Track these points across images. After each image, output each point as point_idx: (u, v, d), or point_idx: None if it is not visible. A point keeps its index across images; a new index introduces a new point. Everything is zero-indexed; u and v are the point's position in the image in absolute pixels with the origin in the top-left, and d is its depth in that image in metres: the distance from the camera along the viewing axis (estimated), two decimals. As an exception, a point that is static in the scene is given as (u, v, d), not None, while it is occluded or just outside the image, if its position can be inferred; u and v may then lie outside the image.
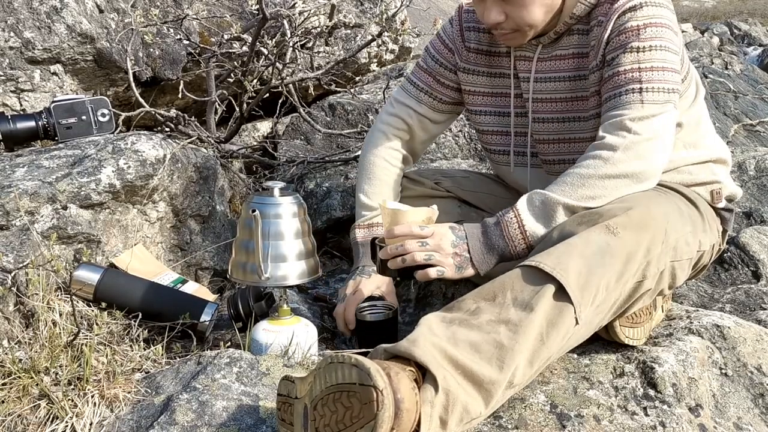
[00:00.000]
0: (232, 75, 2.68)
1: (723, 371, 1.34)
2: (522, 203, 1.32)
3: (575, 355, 1.34)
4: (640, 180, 1.30)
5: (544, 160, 1.59)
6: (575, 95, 1.49)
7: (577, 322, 1.15)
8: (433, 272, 1.30)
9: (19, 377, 1.22)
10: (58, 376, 1.23)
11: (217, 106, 2.56)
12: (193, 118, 2.39)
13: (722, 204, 1.53)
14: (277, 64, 2.39)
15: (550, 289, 1.14)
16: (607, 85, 1.37)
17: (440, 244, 1.30)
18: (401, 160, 1.73)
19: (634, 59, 1.34)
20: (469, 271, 1.31)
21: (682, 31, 7.44)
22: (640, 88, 1.32)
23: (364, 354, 1.05)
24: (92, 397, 1.21)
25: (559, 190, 1.30)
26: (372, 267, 1.60)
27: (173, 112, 2.33)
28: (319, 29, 2.65)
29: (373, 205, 1.68)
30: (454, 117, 1.78)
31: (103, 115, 1.81)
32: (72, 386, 1.23)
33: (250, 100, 2.35)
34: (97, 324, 1.36)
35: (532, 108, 1.55)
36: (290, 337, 1.39)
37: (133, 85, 2.20)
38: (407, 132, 1.72)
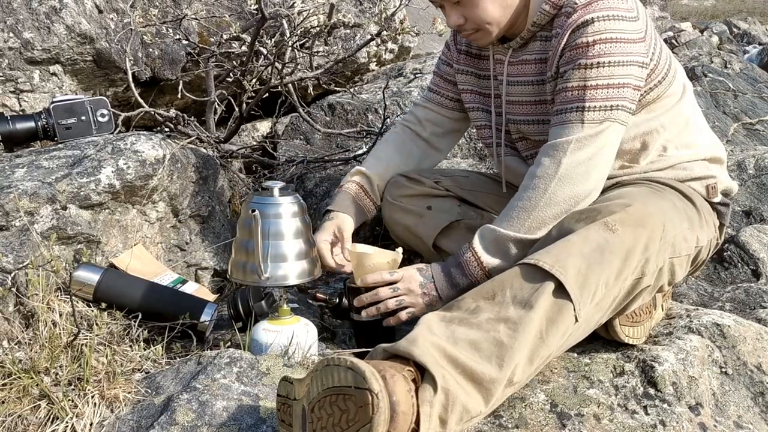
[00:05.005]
0: (231, 75, 2.67)
1: (723, 370, 1.34)
2: (476, 242, 1.38)
3: (575, 354, 1.34)
4: (578, 202, 1.34)
5: (524, 156, 1.64)
6: (539, 99, 1.52)
7: (576, 320, 1.15)
8: (403, 315, 1.41)
9: (19, 378, 1.22)
10: (58, 377, 1.23)
11: (217, 106, 2.56)
12: (192, 118, 2.39)
13: (718, 198, 1.53)
14: (277, 63, 2.39)
15: (550, 286, 1.14)
16: (556, 99, 1.40)
17: (409, 287, 1.40)
18: (413, 145, 1.81)
19: (580, 76, 1.35)
20: (439, 306, 1.35)
21: (681, 31, 7.44)
22: (582, 107, 1.35)
23: (364, 354, 1.05)
24: (92, 397, 1.21)
25: (507, 224, 1.36)
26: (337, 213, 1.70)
27: (173, 112, 2.33)
28: (318, 29, 2.65)
29: (362, 169, 1.75)
30: (466, 116, 1.80)
31: (103, 115, 1.81)
32: (72, 386, 1.23)
33: (249, 100, 2.35)
34: (97, 324, 1.36)
35: (505, 109, 1.59)
36: (290, 337, 1.39)
37: (132, 85, 2.20)
38: (419, 125, 1.81)
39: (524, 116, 1.56)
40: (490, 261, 1.36)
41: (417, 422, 1.01)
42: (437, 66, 1.78)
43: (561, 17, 1.40)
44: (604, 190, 1.40)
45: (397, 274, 1.42)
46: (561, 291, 1.14)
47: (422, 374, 1.06)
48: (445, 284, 1.39)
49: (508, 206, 1.39)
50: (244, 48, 2.63)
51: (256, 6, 2.31)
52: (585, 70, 1.34)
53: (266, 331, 1.41)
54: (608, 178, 1.43)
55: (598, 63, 1.34)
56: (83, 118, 1.78)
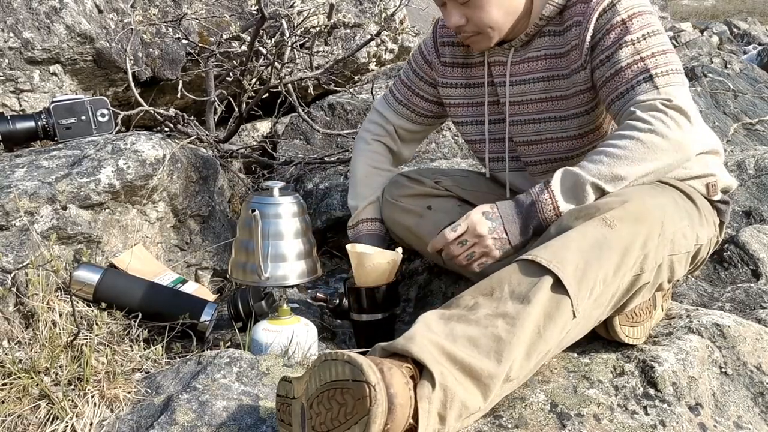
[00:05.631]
0: (231, 75, 2.68)
1: (723, 370, 1.34)
2: (555, 183, 1.32)
3: (575, 354, 1.34)
4: (678, 161, 1.30)
5: (526, 162, 1.61)
6: (550, 95, 1.51)
7: (574, 316, 1.15)
8: (476, 267, 1.36)
9: (19, 377, 1.22)
10: (58, 377, 1.23)
11: (217, 106, 2.56)
12: (192, 118, 2.39)
13: (718, 197, 1.53)
14: (276, 63, 2.39)
15: (548, 281, 1.14)
16: (611, 83, 1.38)
17: (478, 234, 1.34)
18: (386, 162, 1.81)
19: (632, 51, 1.34)
20: (507, 249, 1.35)
21: (681, 31, 7.45)
22: (650, 75, 1.33)
23: (363, 353, 1.06)
24: (92, 397, 1.21)
25: (592, 170, 1.30)
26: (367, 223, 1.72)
27: (172, 112, 2.33)
28: (318, 29, 2.65)
29: (357, 205, 1.76)
30: (436, 125, 1.87)
31: (103, 115, 1.81)
32: (72, 386, 1.23)
33: (249, 100, 2.35)
34: (97, 324, 1.36)
35: (509, 111, 1.57)
36: (290, 337, 1.39)
37: (132, 85, 2.20)
38: (389, 137, 1.81)
39: (532, 115, 1.54)
40: (565, 205, 1.31)
41: (415, 418, 1.01)
42: (406, 76, 1.75)
43: (576, 6, 1.40)
44: None
45: (461, 226, 1.35)
46: (559, 286, 1.14)
47: (420, 372, 1.06)
48: (515, 227, 1.34)
49: (595, 151, 1.33)
50: (244, 48, 2.63)
51: (256, 6, 2.31)
52: (633, 44, 1.34)
53: (266, 331, 1.41)
54: None
55: (644, 35, 1.34)
56: (83, 117, 1.78)
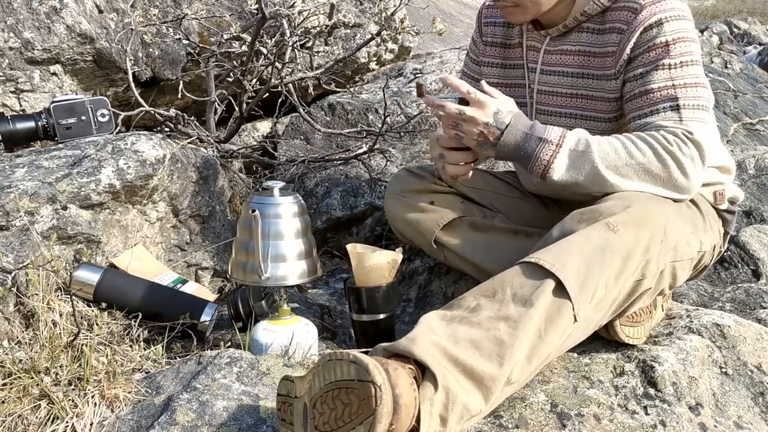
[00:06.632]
0: (231, 75, 2.67)
1: (723, 370, 1.34)
2: (571, 142, 1.32)
3: (575, 354, 1.34)
4: (678, 189, 1.31)
5: None
6: (577, 92, 1.50)
7: (575, 320, 1.15)
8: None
9: (20, 377, 1.22)
10: (58, 377, 1.23)
11: (217, 106, 2.56)
12: (192, 118, 2.39)
13: (725, 206, 1.53)
14: (277, 63, 2.39)
15: (550, 285, 1.14)
16: (638, 101, 1.38)
17: (477, 114, 1.34)
18: None
19: (667, 76, 1.34)
20: (489, 150, 1.36)
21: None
22: (677, 105, 1.33)
23: (364, 353, 1.05)
24: (92, 397, 1.21)
25: (605, 155, 1.30)
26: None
27: (173, 112, 2.33)
28: (318, 29, 2.65)
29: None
30: None
31: (103, 115, 1.81)
32: (72, 386, 1.23)
33: (249, 100, 2.35)
34: (97, 324, 1.36)
35: (537, 99, 1.57)
36: (290, 337, 1.39)
37: (132, 85, 2.20)
38: None
39: (555, 107, 1.54)
40: (561, 163, 1.31)
41: (418, 420, 1.01)
42: (465, 63, 1.78)
43: (622, 11, 1.40)
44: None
45: (471, 101, 1.34)
46: (561, 290, 1.14)
47: (422, 373, 1.06)
48: (511, 142, 1.33)
49: (616, 137, 1.33)
50: (244, 48, 2.63)
51: (257, 6, 2.31)
52: (670, 70, 1.34)
53: (266, 331, 1.41)
54: None
55: (682, 62, 1.34)
56: (83, 118, 1.78)
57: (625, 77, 1.41)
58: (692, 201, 1.44)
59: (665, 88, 1.34)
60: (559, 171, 1.32)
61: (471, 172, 1.50)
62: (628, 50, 1.38)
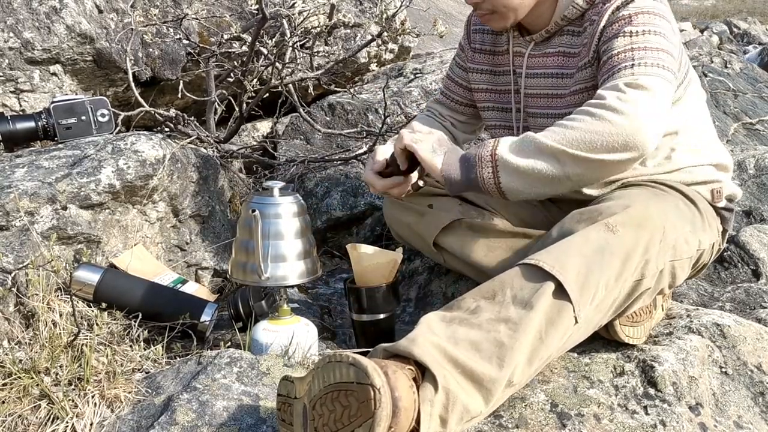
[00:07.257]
0: (231, 75, 2.67)
1: (723, 370, 1.34)
2: (504, 139, 1.30)
3: (575, 354, 1.34)
4: (625, 146, 1.21)
5: None
6: (555, 92, 1.51)
7: (576, 321, 1.15)
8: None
9: (20, 377, 1.22)
10: (58, 377, 1.23)
11: (217, 106, 2.56)
12: (192, 118, 2.39)
13: (722, 203, 1.53)
14: (277, 63, 2.39)
15: (550, 287, 1.14)
16: (602, 70, 1.35)
17: (432, 170, 1.36)
18: (440, 128, 1.79)
19: (626, 42, 1.31)
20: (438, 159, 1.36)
21: (681, 30, 7.43)
22: (632, 64, 1.28)
23: (364, 353, 1.06)
24: (93, 397, 1.21)
25: (547, 133, 1.26)
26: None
27: (173, 112, 2.33)
28: (318, 29, 2.65)
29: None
30: (479, 118, 1.79)
31: (103, 115, 1.81)
32: (72, 386, 1.23)
33: (249, 100, 2.35)
34: (97, 324, 1.36)
35: (524, 102, 1.58)
36: (290, 337, 1.39)
37: (132, 85, 2.20)
38: (441, 117, 1.82)
39: (542, 109, 1.55)
40: (504, 146, 1.27)
41: (417, 421, 1.01)
42: (450, 68, 1.79)
43: (595, 7, 1.40)
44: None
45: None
46: (561, 292, 1.14)
47: (422, 374, 1.06)
48: (454, 176, 1.33)
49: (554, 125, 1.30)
50: (244, 48, 2.63)
51: (257, 6, 2.31)
52: (631, 36, 1.31)
53: (266, 331, 1.41)
54: (613, 180, 1.43)
55: (644, 31, 1.31)
56: (83, 118, 1.78)
57: (599, 60, 1.38)
58: (690, 199, 1.44)
59: (624, 51, 1.30)
60: (507, 171, 1.27)
61: (409, 184, 1.54)
62: (598, 33, 1.37)
